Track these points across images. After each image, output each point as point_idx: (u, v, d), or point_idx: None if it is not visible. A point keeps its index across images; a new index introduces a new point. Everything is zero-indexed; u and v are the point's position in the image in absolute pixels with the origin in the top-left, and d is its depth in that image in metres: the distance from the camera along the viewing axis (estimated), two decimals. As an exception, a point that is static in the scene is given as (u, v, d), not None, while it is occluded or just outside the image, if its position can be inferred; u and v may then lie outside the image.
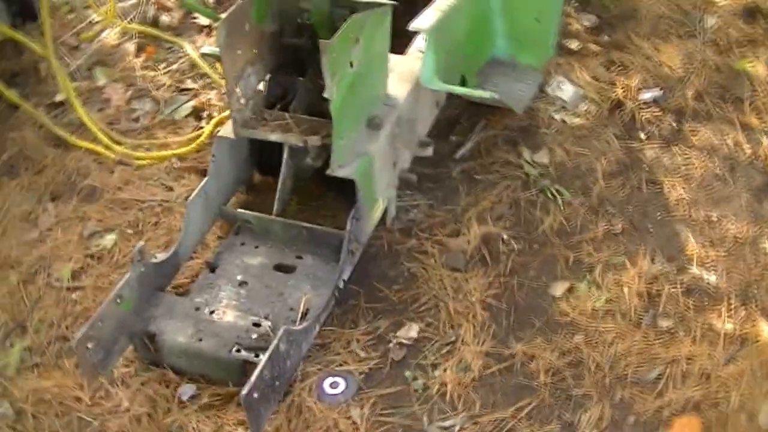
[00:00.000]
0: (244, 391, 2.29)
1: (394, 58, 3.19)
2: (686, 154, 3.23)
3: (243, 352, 2.55)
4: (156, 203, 3.16)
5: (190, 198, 2.84)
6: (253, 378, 2.33)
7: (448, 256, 2.93)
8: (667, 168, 3.19)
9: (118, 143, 3.40)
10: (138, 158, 3.33)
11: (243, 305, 2.71)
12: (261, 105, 2.98)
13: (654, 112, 3.38)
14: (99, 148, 3.36)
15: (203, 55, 3.67)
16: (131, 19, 3.97)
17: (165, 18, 3.98)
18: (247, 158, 3.10)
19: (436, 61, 3.04)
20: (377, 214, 2.96)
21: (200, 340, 2.61)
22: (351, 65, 2.67)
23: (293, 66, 3.07)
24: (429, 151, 3.17)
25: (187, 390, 2.62)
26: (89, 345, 2.48)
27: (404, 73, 3.12)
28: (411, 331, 2.73)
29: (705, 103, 3.39)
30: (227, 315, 2.68)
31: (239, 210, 2.94)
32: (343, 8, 2.86)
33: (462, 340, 2.68)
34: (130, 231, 3.08)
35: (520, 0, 3.55)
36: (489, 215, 3.06)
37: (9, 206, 3.17)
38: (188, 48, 3.80)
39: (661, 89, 3.44)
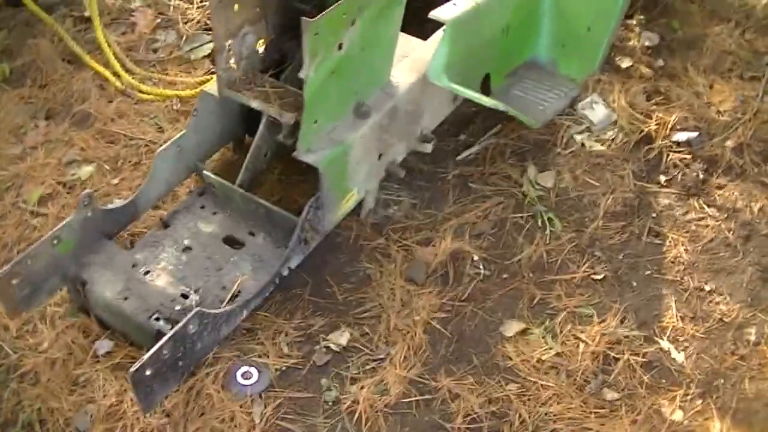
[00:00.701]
0: (134, 367, 2.18)
1: (412, 43, 2.96)
2: (703, 210, 2.88)
3: (161, 322, 2.43)
4: (143, 142, 3.05)
5: (161, 148, 2.71)
6: (146, 355, 2.22)
7: (410, 265, 2.72)
8: (677, 221, 2.85)
9: (130, 72, 3.27)
10: (141, 91, 3.21)
11: (179, 272, 2.59)
12: (256, 67, 2.79)
13: (683, 155, 3.02)
14: (107, 73, 3.25)
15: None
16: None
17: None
18: (238, 117, 2.93)
19: (448, 56, 2.79)
20: (348, 205, 2.76)
21: (125, 299, 2.50)
22: (339, 47, 2.45)
23: (297, 31, 2.86)
24: (428, 148, 2.93)
25: (103, 345, 2.53)
26: (14, 281, 2.41)
27: (417, 60, 2.88)
28: (343, 337, 2.55)
29: (743, 158, 3.01)
30: (160, 279, 2.56)
31: (206, 172, 2.77)
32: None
33: (390, 360, 2.49)
34: (107, 167, 2.97)
35: (574, 3, 3.24)
36: (468, 230, 2.82)
37: (3, 116, 3.11)
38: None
39: (699, 132, 3.07)
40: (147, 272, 2.57)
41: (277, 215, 2.65)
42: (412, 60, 2.88)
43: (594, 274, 2.71)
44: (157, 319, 2.44)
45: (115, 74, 3.24)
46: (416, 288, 2.66)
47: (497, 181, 2.97)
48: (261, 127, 2.73)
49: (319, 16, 2.34)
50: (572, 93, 3.20)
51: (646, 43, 3.47)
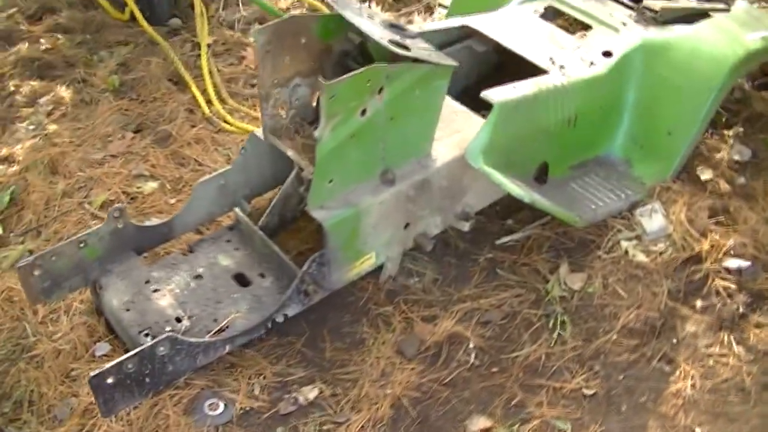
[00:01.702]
0: (94, 372, 2.36)
1: (472, 120, 2.98)
2: (730, 346, 2.69)
3: (148, 338, 2.59)
4: (210, 170, 3.24)
5: (203, 179, 2.89)
6: (109, 364, 2.39)
7: (405, 338, 2.74)
8: (696, 352, 2.68)
9: (223, 102, 3.50)
10: (225, 121, 3.42)
11: (182, 296, 2.76)
12: (307, 118, 2.92)
13: (730, 284, 2.83)
14: (200, 98, 3.49)
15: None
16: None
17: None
18: (289, 162, 3.06)
19: (492, 140, 2.78)
20: (363, 267, 2.82)
21: (127, 310, 2.71)
22: (363, 113, 2.52)
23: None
24: (465, 226, 2.94)
25: (102, 347, 2.74)
26: (35, 272, 2.68)
27: (468, 138, 2.88)
28: (312, 392, 2.61)
29: (795, 300, 2.78)
30: (164, 299, 2.74)
31: (237, 209, 2.93)
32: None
33: (348, 426, 2.51)
34: (169, 186, 3.20)
35: (657, 103, 3.16)
36: (477, 316, 2.81)
37: (99, 123, 3.42)
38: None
39: (753, 264, 2.85)
40: (156, 290, 2.76)
41: (284, 263, 2.75)
42: (463, 136, 2.90)
43: (586, 388, 2.60)
44: (147, 335, 2.61)
45: (208, 101, 3.48)
46: (402, 362, 2.67)
47: (526, 272, 2.92)
48: (291, 175, 2.85)
49: (338, 79, 2.43)
50: (634, 197, 3.08)
51: (736, 157, 3.29)
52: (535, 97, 2.90)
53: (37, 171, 3.24)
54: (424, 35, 3.20)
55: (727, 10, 3.47)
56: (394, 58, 2.56)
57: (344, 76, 2.46)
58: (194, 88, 3.53)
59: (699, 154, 3.27)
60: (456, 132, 2.94)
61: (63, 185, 3.20)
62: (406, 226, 2.85)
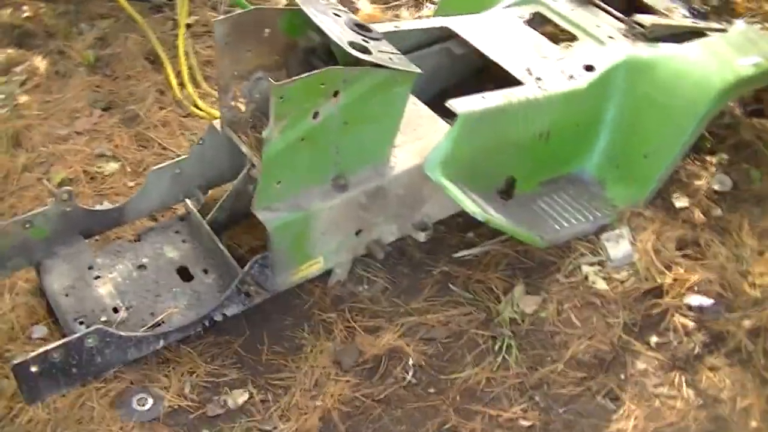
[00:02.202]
0: (17, 359, 2.35)
1: (437, 126, 2.91)
2: (680, 388, 2.61)
3: (82, 326, 2.57)
4: (173, 155, 3.22)
5: (157, 167, 2.86)
6: (34, 352, 2.37)
7: (344, 348, 2.69)
8: (644, 391, 2.61)
9: (197, 85, 3.45)
10: (195, 106, 3.37)
11: (123, 286, 2.74)
12: (267, 113, 2.85)
13: (689, 322, 2.75)
14: (173, 80, 3.45)
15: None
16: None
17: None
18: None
19: (451, 151, 2.74)
20: (310, 271, 2.79)
21: (66, 295, 2.69)
22: (316, 116, 2.46)
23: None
24: (421, 237, 2.88)
25: (39, 330, 2.73)
26: (-23, 248, 2.65)
27: (431, 145, 2.81)
28: (242, 396, 2.57)
29: (756, 344, 2.69)
30: (104, 287, 2.72)
31: (188, 201, 2.89)
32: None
33: (273, 435, 2.47)
34: (130, 169, 3.17)
35: (636, 124, 3.08)
36: (421, 331, 2.75)
37: (69, 98, 3.39)
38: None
39: (716, 302, 2.76)
40: (98, 277, 2.73)
41: (228, 261, 2.71)
42: (426, 144, 2.83)
43: (523, 418, 2.54)
44: (81, 323, 2.59)
45: (181, 84, 3.43)
46: (338, 372, 2.63)
47: (479, 290, 2.86)
48: (244, 171, 2.80)
49: (288, 80, 2.38)
50: (602, 220, 3.00)
51: (716, 187, 3.19)
52: (503, 109, 2.82)
53: (1, 143, 3.22)
54: (401, 34, 3.17)
55: (725, 31, 3.37)
56: (353, 61, 2.50)
57: (295, 77, 2.41)
58: (168, 69, 3.48)
59: (677, 180, 3.17)
60: (419, 139, 2.87)
61: (24, 159, 3.18)
62: (358, 232, 2.80)
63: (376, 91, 2.56)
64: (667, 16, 3.44)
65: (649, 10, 3.50)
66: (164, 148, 3.24)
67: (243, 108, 2.81)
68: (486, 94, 2.83)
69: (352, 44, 2.52)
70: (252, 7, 2.70)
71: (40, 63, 3.56)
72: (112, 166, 3.18)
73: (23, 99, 3.41)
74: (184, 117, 3.35)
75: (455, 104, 2.75)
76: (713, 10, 3.95)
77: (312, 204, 2.64)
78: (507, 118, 2.84)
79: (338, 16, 2.69)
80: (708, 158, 3.30)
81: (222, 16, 2.61)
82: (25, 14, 3.78)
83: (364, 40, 2.59)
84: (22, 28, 3.71)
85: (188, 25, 3.63)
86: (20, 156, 3.19)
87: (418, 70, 2.62)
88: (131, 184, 3.12)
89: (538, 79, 2.98)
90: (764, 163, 3.29)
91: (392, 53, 2.62)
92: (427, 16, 3.87)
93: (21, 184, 3.12)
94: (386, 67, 2.52)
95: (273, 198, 2.60)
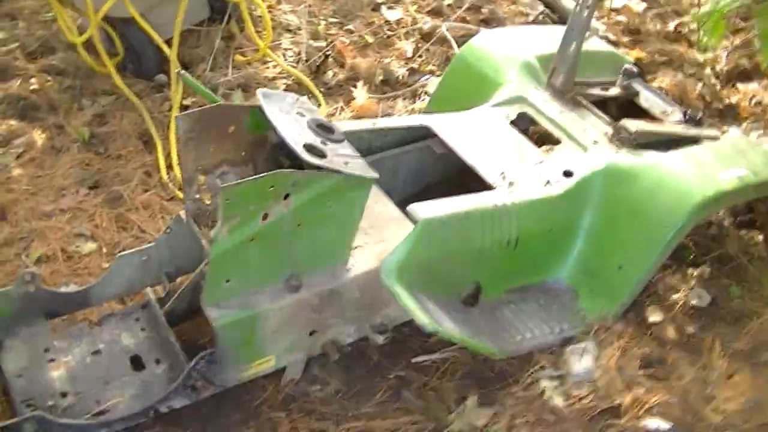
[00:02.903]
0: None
1: (405, 229, 2.92)
2: None
3: (27, 411, 2.62)
4: (151, 239, 3.27)
5: (123, 252, 2.93)
6: (-29, 437, 2.44)
7: (282, 452, 2.69)
8: None
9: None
10: (180, 189, 3.45)
11: (75, 371, 2.80)
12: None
13: (644, 446, 2.68)
14: (162, 162, 3.54)
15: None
16: (299, 60, 4.01)
17: (331, 72, 3.96)
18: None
19: (408, 257, 2.73)
20: (262, 368, 2.82)
21: (19, 376, 2.75)
22: (265, 217, 2.51)
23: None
24: (379, 339, 2.88)
25: (-9, 407, 2.78)
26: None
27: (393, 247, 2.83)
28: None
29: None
30: (57, 370, 2.79)
31: (148, 290, 2.95)
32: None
33: None
34: (105, 250, 3.25)
35: (611, 234, 3.06)
36: (364, 441, 2.73)
37: (59, 174, 3.51)
38: (323, 108, 3.77)
39: (674, 427, 2.70)
40: (52, 360, 2.80)
41: (177, 353, 2.76)
42: (388, 246, 2.84)
43: None
44: (29, 405, 2.65)
45: (169, 166, 3.53)
46: (277, 474, 2.64)
47: (432, 398, 2.84)
48: (202, 265, 2.85)
49: (235, 182, 2.44)
50: (569, 332, 2.98)
51: (693, 302, 3.14)
52: (467, 215, 2.83)
53: (-14, 216, 3.36)
54: (381, 131, 3.22)
55: (717, 138, 3.33)
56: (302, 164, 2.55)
57: (243, 179, 2.47)
58: (159, 150, 3.59)
59: (654, 293, 3.14)
60: (382, 241, 2.90)
61: (6, 233, 3.29)
62: (312, 332, 2.82)
63: (329, 195, 2.60)
64: (660, 120, 3.42)
65: (645, 113, 3.50)
66: (143, 231, 3.33)
67: (208, 201, 2.88)
68: (451, 198, 2.85)
69: (307, 147, 2.58)
70: (218, 102, 2.79)
71: (39, 137, 3.71)
72: (90, 246, 3.28)
73: (16, 172, 3.55)
74: (167, 200, 3.44)
75: (416, 209, 2.77)
76: (717, 114, 3.94)
77: (262, 303, 2.67)
78: (471, 225, 2.84)
79: (302, 115, 2.75)
80: (689, 271, 3.25)
81: (184, 112, 2.68)
82: (33, 86, 3.95)
83: (322, 142, 2.65)
84: (27, 100, 3.87)
85: (185, 107, 3.74)
86: (3, 230, 3.31)
87: (375, 175, 2.66)
88: (105, 265, 3.20)
89: (511, 183, 2.99)
90: (746, 279, 3.24)
91: (350, 156, 2.66)
92: (421, 109, 3.92)
93: (0, 258, 3.23)
94: (339, 172, 2.57)
95: (222, 295, 2.65)
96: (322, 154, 2.59)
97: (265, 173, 2.48)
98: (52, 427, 2.55)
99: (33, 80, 3.97)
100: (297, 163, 2.61)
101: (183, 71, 2.88)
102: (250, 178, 2.46)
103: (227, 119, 2.77)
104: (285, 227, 2.60)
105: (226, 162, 2.84)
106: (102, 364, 2.82)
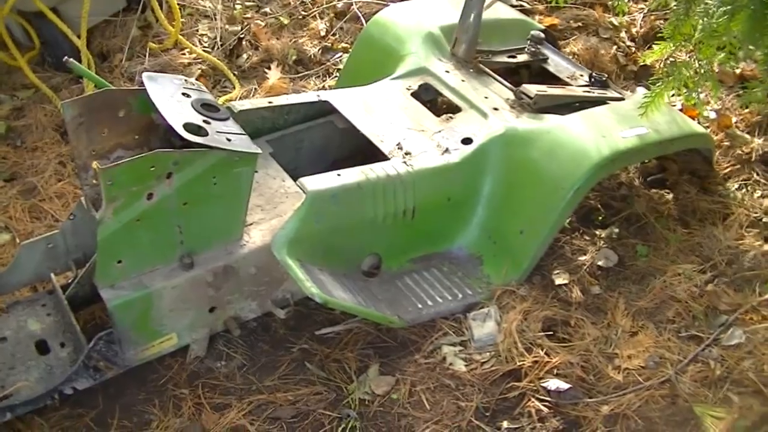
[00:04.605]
0: None
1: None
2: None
3: (-68, 399, 2.78)
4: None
5: (27, 241, 3.07)
6: None
7: (189, 425, 2.83)
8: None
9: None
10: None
11: (-20, 358, 2.92)
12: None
13: (543, 407, 2.79)
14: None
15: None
16: (215, 45, 4.14)
17: (245, 55, 4.09)
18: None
19: (298, 231, 2.86)
20: (163, 346, 2.95)
21: None
22: (150, 197, 2.64)
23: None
24: (281, 314, 3.02)
25: None
26: None
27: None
28: (77, 472, 2.72)
29: (613, 431, 2.72)
30: (-39, 359, 2.91)
31: (53, 275, 3.08)
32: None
33: None
34: (19, 240, 3.39)
35: (511, 199, 3.17)
36: (269, 410, 2.87)
37: (-26, 170, 3.66)
38: (237, 91, 3.89)
39: (573, 387, 2.81)
40: (-40, 347, 2.94)
41: (78, 336, 2.89)
42: (283, 221, 2.97)
43: None
44: (-66, 394, 2.80)
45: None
46: (177, 450, 2.77)
47: (334, 369, 2.97)
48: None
49: (114, 164, 2.57)
50: (472, 299, 3.09)
51: (600, 263, 3.25)
52: (359, 186, 2.95)
53: None
54: (282, 108, 3.34)
55: (622, 99, 3.43)
56: (188, 143, 2.68)
57: (122, 161, 2.60)
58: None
59: (561, 256, 3.25)
60: (278, 216, 3.03)
61: None
62: (212, 309, 2.96)
63: (213, 172, 2.73)
64: (567, 84, 3.53)
65: (557, 79, 3.61)
66: (56, 220, 3.47)
67: (105, 185, 3.02)
68: (342, 171, 2.98)
69: (188, 126, 2.71)
70: (106, 87, 2.91)
71: (-44, 134, 3.87)
72: (4, 237, 3.42)
73: (-67, 168, 3.71)
74: (80, 189, 3.56)
75: (305, 182, 2.90)
76: (633, 76, 4.04)
77: (155, 282, 2.81)
78: (363, 196, 2.97)
79: (187, 96, 2.87)
80: (598, 232, 3.37)
81: (70, 99, 2.82)
82: (-49, 85, 4.11)
83: (205, 121, 2.77)
84: (-54, 98, 4.03)
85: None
86: None
87: (258, 150, 2.78)
88: None
89: (407, 153, 3.11)
90: (653, 239, 3.34)
91: (234, 133, 2.79)
92: (332, 87, 4.04)
93: None
94: (220, 149, 2.70)
95: (115, 276, 2.78)
96: (204, 133, 2.72)
97: (144, 154, 2.62)
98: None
99: (-49, 79, 4.13)
100: (186, 144, 2.75)
101: (68, 58, 3.00)
102: (129, 159, 2.60)
103: (116, 104, 2.89)
104: (171, 206, 2.73)
105: (121, 146, 2.97)
106: (7, 350, 2.96)
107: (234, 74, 4.13)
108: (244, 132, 2.83)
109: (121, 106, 2.91)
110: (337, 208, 2.93)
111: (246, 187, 2.84)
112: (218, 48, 4.30)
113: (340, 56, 4.37)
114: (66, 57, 3.02)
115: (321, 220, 2.90)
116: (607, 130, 3.18)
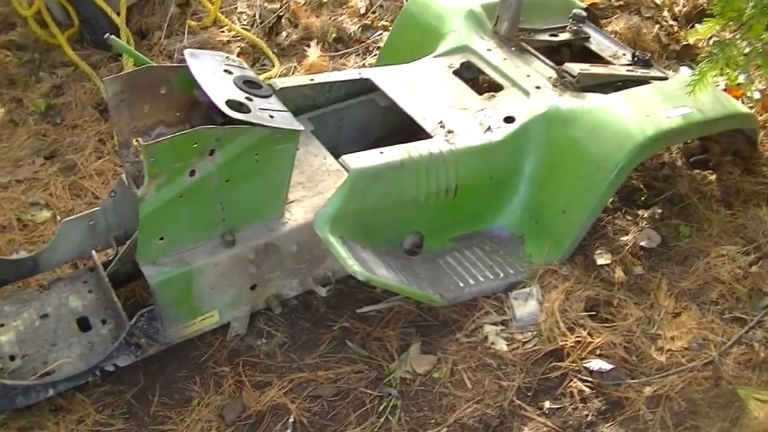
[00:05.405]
0: None
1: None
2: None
3: (-24, 373, 2.77)
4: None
5: (68, 218, 3.04)
6: None
7: (230, 402, 2.80)
8: (525, 461, 2.62)
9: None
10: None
11: (23, 334, 2.92)
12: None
13: (586, 387, 2.75)
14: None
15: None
16: (254, 22, 4.09)
17: (285, 33, 4.03)
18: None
19: (341, 208, 2.82)
20: (204, 323, 2.93)
21: (-32, 342, 2.87)
22: (192, 174, 2.61)
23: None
24: (322, 292, 2.98)
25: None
26: None
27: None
28: (114, 448, 2.71)
29: (655, 413, 2.66)
30: (5, 334, 2.92)
31: (94, 252, 3.05)
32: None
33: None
34: (59, 217, 3.37)
35: (554, 178, 3.11)
36: (309, 388, 2.83)
37: (16, 146, 3.63)
38: (276, 69, 3.84)
39: (616, 367, 2.75)
40: (1, 325, 2.93)
41: (120, 312, 2.87)
42: (325, 199, 2.92)
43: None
44: (-23, 370, 2.79)
45: (123, 133, 3.63)
46: (221, 426, 2.74)
47: (375, 348, 2.93)
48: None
49: (156, 140, 2.53)
50: (514, 278, 3.04)
51: (642, 243, 3.19)
52: (401, 164, 2.90)
53: (-55, 191, 3.49)
54: (326, 86, 3.29)
55: (666, 79, 3.36)
56: (231, 120, 2.63)
57: (164, 137, 2.56)
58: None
59: (603, 236, 3.19)
60: (320, 194, 2.98)
61: (-41, 209, 3.44)
62: (253, 287, 2.92)
63: (256, 149, 2.69)
64: (610, 63, 3.45)
65: (599, 58, 3.53)
66: (96, 197, 3.45)
67: (146, 162, 2.98)
68: (385, 149, 2.92)
69: (230, 102, 2.66)
70: (147, 64, 2.87)
71: (-3, 111, 3.86)
72: (44, 215, 3.40)
73: (-25, 147, 3.70)
74: (120, 166, 3.54)
75: (348, 160, 2.85)
76: (675, 55, 3.96)
77: (197, 259, 2.78)
78: (405, 175, 2.91)
79: (229, 73, 2.83)
80: (640, 212, 3.30)
81: (112, 76, 2.78)
82: (-6, 63, 4.09)
83: (247, 98, 2.73)
84: (-13, 76, 4.02)
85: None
86: (-41, 204, 3.45)
87: (301, 127, 2.74)
88: None
89: (450, 132, 3.05)
90: (696, 219, 3.27)
91: (276, 110, 2.74)
92: (371, 65, 3.99)
93: (-48, 234, 3.37)
94: (263, 126, 2.65)
95: (157, 253, 2.75)
96: (246, 110, 2.67)
97: (187, 130, 2.58)
98: (-3, 387, 2.69)
99: (-6, 56, 4.12)
100: (228, 121, 2.71)
101: (110, 35, 2.97)
102: (171, 135, 2.56)
103: (157, 81, 2.85)
104: (213, 183, 2.69)
105: (162, 123, 2.93)
106: (49, 327, 2.94)
107: (273, 52, 4.10)
108: (286, 109, 2.79)
109: (162, 83, 2.87)
110: (380, 186, 2.88)
111: (288, 164, 2.80)
112: (257, 26, 4.26)
113: (380, 34, 4.32)
114: (107, 34, 2.99)
115: (363, 198, 2.85)
116: (650, 109, 3.10)
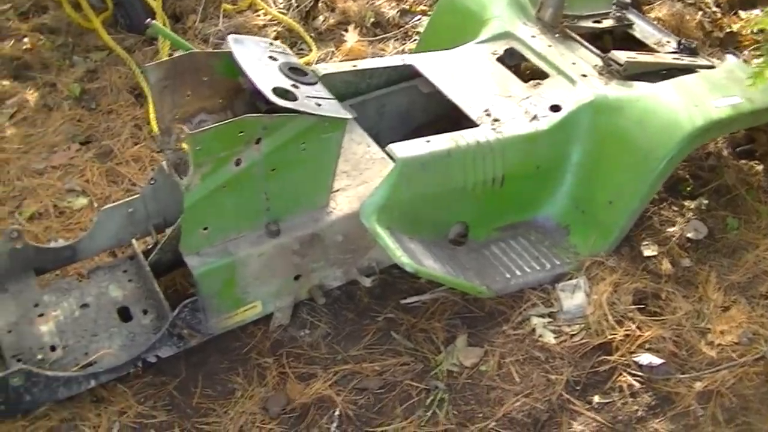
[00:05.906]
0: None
1: (388, 169, 2.92)
2: (612, 453, 2.55)
3: (17, 365, 2.69)
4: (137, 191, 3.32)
5: (107, 206, 2.97)
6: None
7: (274, 394, 2.74)
8: (573, 454, 2.56)
9: (177, 119, 3.57)
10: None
11: (64, 324, 2.86)
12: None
13: (635, 382, 2.68)
14: (152, 116, 3.56)
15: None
16: (290, 6, 4.00)
17: (322, 17, 3.94)
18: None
19: (388, 198, 2.74)
20: (247, 314, 2.87)
21: (9, 331, 2.82)
22: (238, 163, 2.53)
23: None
24: (367, 282, 2.92)
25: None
26: None
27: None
28: (151, 439, 2.65)
29: (705, 408, 2.60)
30: (46, 324, 2.85)
31: (134, 241, 2.99)
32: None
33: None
34: (96, 204, 3.30)
35: (600, 168, 3.03)
36: (355, 380, 2.77)
37: (51, 132, 3.55)
38: (314, 54, 3.76)
39: (666, 362, 2.68)
40: (41, 314, 2.86)
41: (162, 303, 2.80)
42: (370, 188, 2.85)
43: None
44: (19, 360, 2.72)
45: (159, 119, 3.56)
46: (264, 419, 2.68)
47: (420, 340, 2.86)
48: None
49: (202, 129, 2.45)
50: (560, 269, 2.96)
51: (689, 235, 3.11)
52: (448, 153, 2.82)
53: (-21, 176, 3.43)
54: (365, 73, 3.21)
55: (712, 67, 3.26)
56: (277, 108, 2.55)
57: (211, 126, 2.49)
58: (150, 103, 3.61)
59: (649, 227, 3.11)
60: (365, 183, 2.91)
61: (-1, 192, 3.37)
62: (297, 277, 2.85)
63: (302, 138, 2.62)
64: (655, 51, 3.36)
65: (642, 45, 3.44)
66: (134, 184, 3.37)
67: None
68: (431, 137, 2.84)
69: (277, 90, 2.58)
70: (190, 50, 2.79)
71: (31, 96, 3.77)
72: (81, 202, 3.33)
73: (9, 132, 3.61)
74: (157, 153, 3.47)
75: (395, 149, 2.77)
76: (718, 43, 3.86)
77: (241, 249, 2.71)
78: (452, 163, 2.83)
79: (274, 59, 2.75)
80: (686, 203, 3.22)
81: (154, 62, 2.70)
82: (25, 46, 4.01)
83: (293, 85, 2.65)
84: (21, 60, 3.93)
85: (174, 59, 3.76)
86: (-4, 190, 3.38)
87: (348, 116, 2.66)
88: (19, 226, 3.23)
89: (496, 120, 2.97)
90: (744, 211, 3.19)
91: (323, 98, 2.66)
92: (411, 50, 3.89)
93: (-11, 220, 3.30)
94: (310, 114, 2.57)
95: (200, 243, 2.68)
96: (293, 97, 2.59)
97: (233, 119, 2.51)
98: (40, 379, 2.62)
99: (26, 40, 4.03)
100: (273, 108, 2.63)
101: (151, 20, 2.89)
102: (218, 123, 2.49)
103: (200, 67, 2.78)
104: (259, 172, 2.62)
105: (204, 110, 2.86)
106: (90, 317, 2.88)
107: (310, 36, 4.01)
108: (333, 97, 2.70)
109: (205, 69, 2.79)
110: (427, 175, 2.80)
111: (334, 153, 2.72)
112: (294, 10, 4.17)
113: (419, 19, 4.22)
114: (149, 19, 2.91)
115: (410, 187, 2.78)
116: (699, 99, 3.01)
